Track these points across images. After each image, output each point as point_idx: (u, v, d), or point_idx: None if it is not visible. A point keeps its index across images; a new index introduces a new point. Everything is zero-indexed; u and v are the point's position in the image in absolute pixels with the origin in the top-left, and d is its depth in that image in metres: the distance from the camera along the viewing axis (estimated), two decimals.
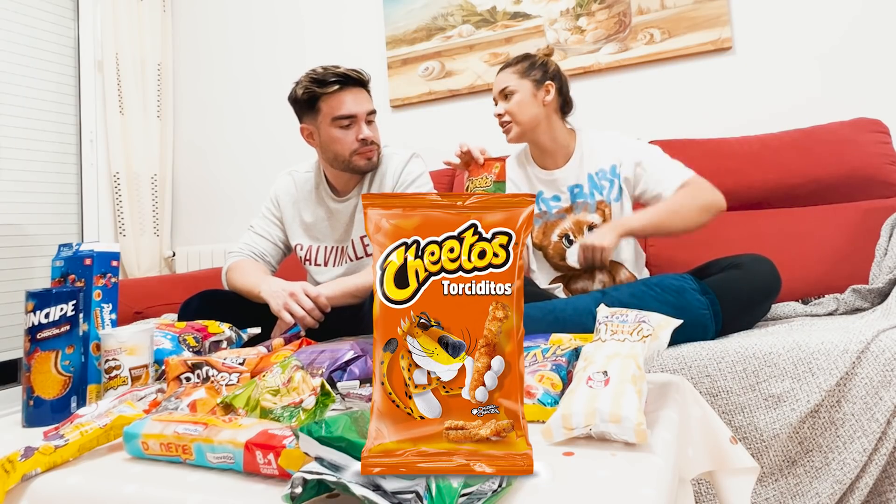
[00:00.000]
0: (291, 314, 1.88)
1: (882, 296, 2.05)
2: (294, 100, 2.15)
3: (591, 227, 2.20)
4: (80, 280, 1.43)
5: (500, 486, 0.77)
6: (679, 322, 1.16)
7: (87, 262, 1.44)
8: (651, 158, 2.20)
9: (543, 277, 2.29)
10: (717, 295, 1.83)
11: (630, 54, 3.09)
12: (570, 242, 2.23)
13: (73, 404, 1.34)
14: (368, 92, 2.15)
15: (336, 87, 2.05)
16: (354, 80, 2.09)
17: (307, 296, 1.91)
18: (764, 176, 2.57)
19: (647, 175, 2.17)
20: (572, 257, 2.21)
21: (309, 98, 2.09)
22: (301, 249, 2.25)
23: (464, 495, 0.72)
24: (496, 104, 2.25)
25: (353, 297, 2.01)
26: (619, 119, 3.03)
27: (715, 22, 2.93)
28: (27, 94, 3.53)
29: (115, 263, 1.48)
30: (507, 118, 2.21)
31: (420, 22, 3.51)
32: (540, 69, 2.22)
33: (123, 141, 3.86)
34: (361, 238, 2.20)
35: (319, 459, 0.77)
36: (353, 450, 0.75)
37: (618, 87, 3.10)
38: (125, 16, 3.89)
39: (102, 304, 1.45)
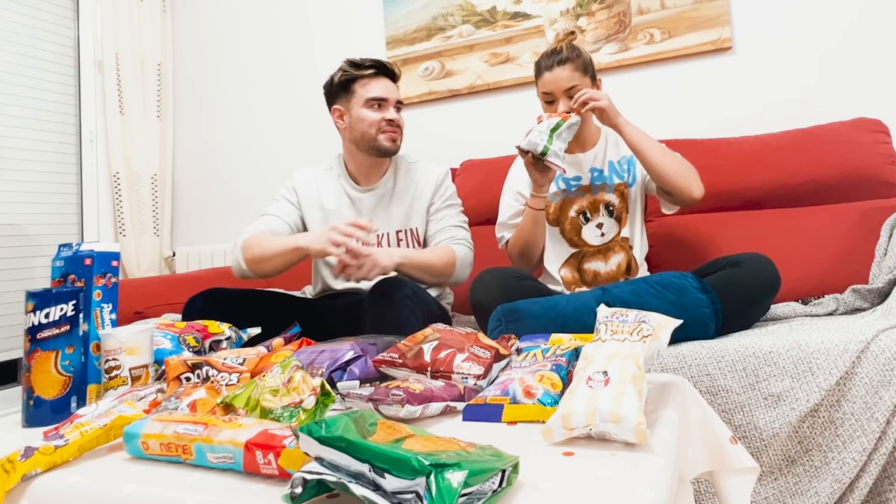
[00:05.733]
0: (337, 245, 1.87)
1: (882, 296, 2.05)
2: (330, 85, 2.30)
3: (607, 206, 2.28)
4: (81, 280, 1.43)
5: (500, 485, 0.77)
6: (679, 322, 1.16)
7: (88, 262, 1.44)
8: None
9: (556, 258, 2.33)
10: (717, 293, 1.84)
11: (630, 54, 3.09)
12: (587, 220, 2.29)
13: (73, 404, 1.34)
14: (397, 88, 2.31)
15: (372, 71, 2.25)
16: (388, 71, 2.27)
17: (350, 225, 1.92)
18: (763, 176, 2.57)
19: None
20: (588, 233, 2.29)
21: (345, 81, 2.25)
22: None
23: (464, 495, 0.72)
24: (552, 100, 2.22)
25: (417, 268, 2.07)
26: None
27: (715, 22, 2.93)
28: (27, 94, 3.53)
29: (115, 263, 1.48)
30: None
31: (420, 22, 3.51)
32: (591, 65, 2.25)
33: (123, 141, 3.86)
34: (397, 232, 2.26)
35: (319, 459, 0.77)
36: (354, 450, 0.75)
37: (618, 87, 3.09)
38: (125, 16, 3.89)
39: (102, 304, 1.45)
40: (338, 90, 2.27)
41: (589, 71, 2.22)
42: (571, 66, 2.18)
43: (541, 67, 2.23)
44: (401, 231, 2.27)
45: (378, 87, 2.22)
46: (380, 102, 2.21)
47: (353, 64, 2.24)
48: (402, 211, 2.27)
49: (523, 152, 2.10)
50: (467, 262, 2.20)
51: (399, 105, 2.27)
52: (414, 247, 2.27)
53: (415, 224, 2.28)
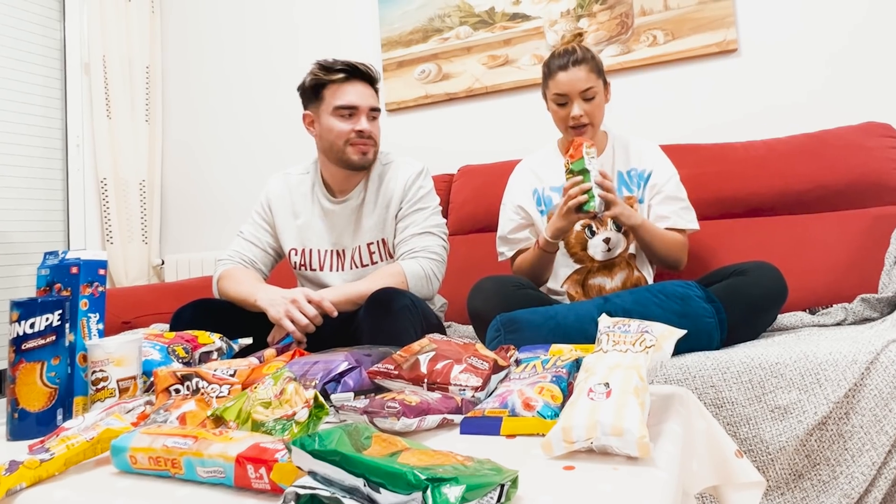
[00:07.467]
0: (293, 322, 1.89)
1: (892, 305, 2.05)
2: (301, 89, 2.21)
3: (614, 219, 2.23)
4: (67, 289, 1.43)
5: (498, 500, 0.77)
6: (683, 332, 1.16)
7: (74, 270, 1.44)
8: (675, 187, 2.27)
9: (561, 271, 2.30)
10: (723, 302, 1.84)
11: (632, 56, 3.10)
12: (593, 233, 2.25)
13: (59, 417, 1.34)
14: (376, 91, 2.21)
15: (342, 76, 2.12)
16: (362, 74, 2.15)
17: (309, 301, 1.92)
18: (770, 182, 2.58)
19: (662, 197, 2.25)
20: (594, 248, 2.26)
21: (315, 85, 2.14)
22: (295, 255, 2.25)
23: None
24: (566, 101, 2.18)
25: (356, 304, 2.02)
26: (621, 123, 3.02)
27: (720, 23, 2.94)
28: (12, 98, 3.53)
29: (102, 272, 1.48)
30: (585, 120, 2.18)
31: (416, 23, 3.51)
32: (602, 68, 2.23)
33: (111, 145, 3.86)
34: (368, 245, 2.21)
35: (312, 474, 0.78)
36: (348, 464, 0.75)
37: (620, 91, 3.10)
38: (113, 17, 3.90)
39: (89, 314, 1.45)
40: (308, 95, 2.19)
41: (601, 74, 2.21)
42: (587, 66, 2.16)
43: (553, 67, 2.19)
44: (372, 243, 2.22)
45: (349, 93, 2.12)
46: (350, 111, 2.12)
47: (322, 67, 2.14)
48: (374, 222, 2.21)
49: (584, 212, 2.02)
50: (423, 275, 2.10)
51: (374, 113, 2.18)
52: (386, 259, 2.22)
53: (387, 234, 2.21)
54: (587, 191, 1.98)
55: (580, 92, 2.15)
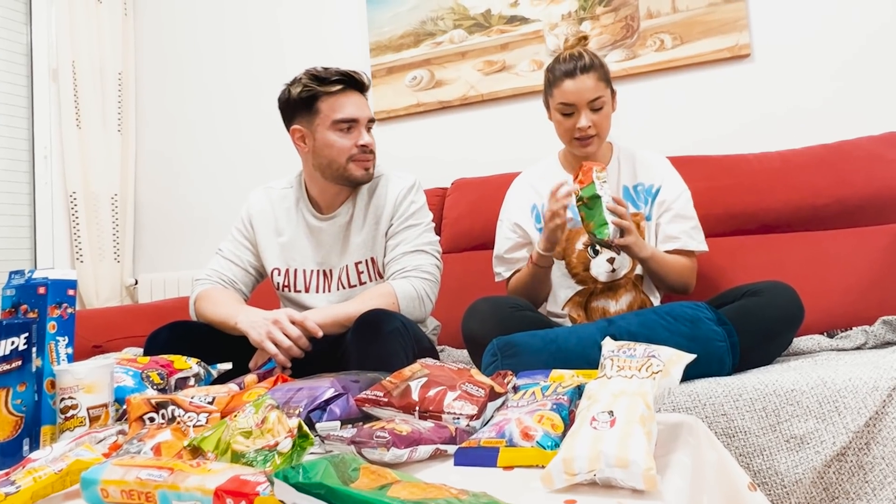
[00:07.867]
0: (276, 345, 1.89)
1: None
2: (287, 100, 2.17)
3: (624, 249, 2.21)
4: (34, 311, 1.43)
5: None
6: (692, 357, 1.17)
7: (41, 290, 1.44)
8: (685, 205, 2.27)
9: (560, 295, 2.29)
10: (735, 325, 1.83)
11: (638, 62, 3.11)
12: (596, 252, 2.24)
13: (26, 447, 1.34)
14: (366, 99, 2.20)
15: (339, 87, 2.11)
16: (357, 83, 2.15)
17: (293, 323, 1.92)
18: (785, 196, 2.58)
19: (671, 215, 2.25)
20: (598, 268, 2.24)
21: (308, 97, 2.11)
22: (278, 275, 2.25)
23: None
24: (572, 111, 2.17)
25: (343, 326, 2.01)
26: (626, 133, 3.03)
27: (732, 27, 2.95)
28: None
29: (71, 292, 1.48)
30: (592, 131, 2.17)
31: (407, 27, 3.52)
32: (608, 74, 2.22)
33: (81, 157, 3.86)
34: (356, 264, 2.21)
35: None
36: (333, 497, 0.75)
37: (625, 98, 3.07)
38: (82, 20, 3.90)
39: (58, 337, 1.45)
40: (298, 107, 2.15)
41: (609, 82, 2.21)
42: (595, 74, 2.15)
43: (559, 73, 2.17)
44: (360, 262, 2.21)
45: (347, 105, 2.12)
46: (350, 124, 2.11)
47: (315, 77, 2.11)
48: (363, 239, 2.21)
49: (598, 240, 2.02)
50: (415, 296, 2.08)
51: (371, 124, 2.18)
52: (375, 279, 2.22)
53: (376, 252, 2.21)
54: (592, 209, 1.98)
55: (588, 102, 2.15)
